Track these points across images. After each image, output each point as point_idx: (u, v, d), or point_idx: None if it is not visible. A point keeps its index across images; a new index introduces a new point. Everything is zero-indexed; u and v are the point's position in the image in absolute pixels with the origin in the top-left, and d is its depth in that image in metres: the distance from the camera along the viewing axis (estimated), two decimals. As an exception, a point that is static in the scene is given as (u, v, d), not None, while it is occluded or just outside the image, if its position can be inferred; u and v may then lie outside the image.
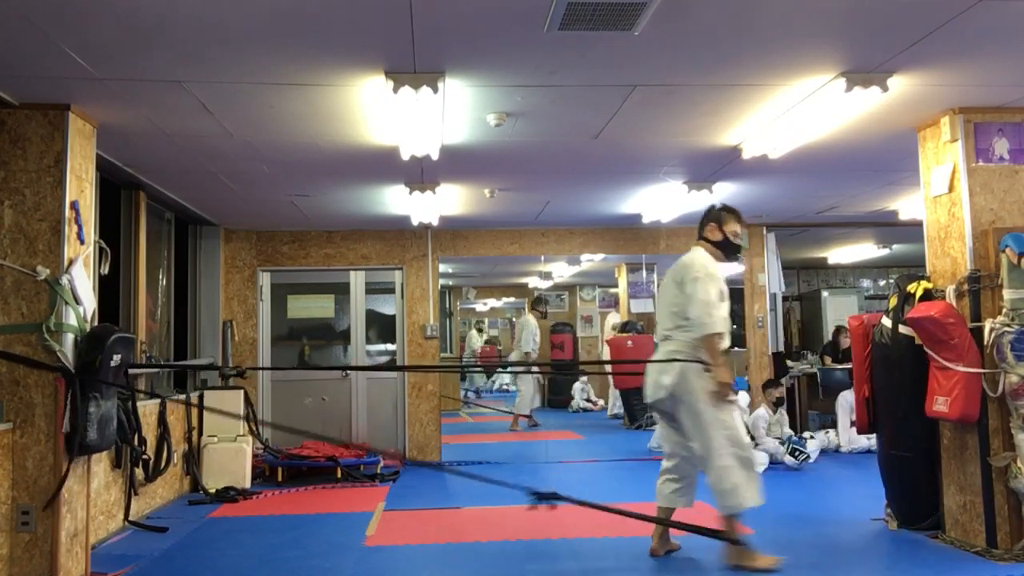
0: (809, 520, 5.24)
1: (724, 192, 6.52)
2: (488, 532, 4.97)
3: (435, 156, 4.93)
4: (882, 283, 12.86)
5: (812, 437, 7.64)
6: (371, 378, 8.14)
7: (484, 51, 3.56)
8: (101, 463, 4.87)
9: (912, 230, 7.45)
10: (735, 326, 13.20)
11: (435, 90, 3.78)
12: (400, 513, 5.68)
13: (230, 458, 6.62)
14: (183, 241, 7.41)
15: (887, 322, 4.83)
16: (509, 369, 11.16)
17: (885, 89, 3.93)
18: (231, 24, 3.21)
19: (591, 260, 10.54)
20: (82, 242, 4.17)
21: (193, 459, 6.55)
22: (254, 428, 7.18)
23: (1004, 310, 4.19)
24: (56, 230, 4.02)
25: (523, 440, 9.95)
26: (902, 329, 4.68)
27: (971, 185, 4.42)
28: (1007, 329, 4.13)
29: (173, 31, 3.26)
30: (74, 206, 4.08)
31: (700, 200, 6.40)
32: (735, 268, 10.15)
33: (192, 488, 6.53)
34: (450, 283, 14.66)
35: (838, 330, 9.15)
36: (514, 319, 12.57)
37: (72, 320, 4.02)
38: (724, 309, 4.24)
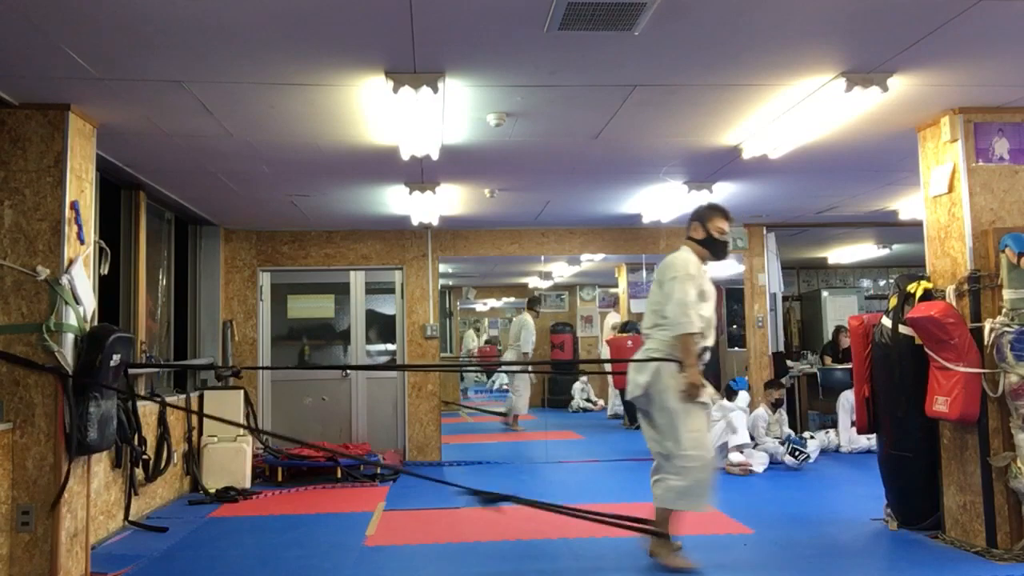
0: (809, 520, 5.24)
1: (724, 192, 6.52)
2: (488, 532, 4.97)
3: (435, 156, 4.93)
4: (882, 283, 12.86)
5: (812, 437, 7.65)
6: (371, 378, 8.14)
7: (484, 51, 3.56)
8: (101, 463, 4.87)
9: (912, 230, 7.45)
10: (735, 326, 13.21)
11: (435, 90, 3.78)
12: (400, 513, 5.68)
13: (230, 458, 6.62)
14: (183, 241, 7.41)
15: (887, 322, 4.83)
16: (506, 369, 11.11)
17: (885, 89, 3.93)
18: (231, 24, 3.21)
19: (591, 260, 10.54)
20: (82, 242, 4.17)
21: (193, 459, 6.55)
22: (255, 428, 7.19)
23: (1004, 310, 4.19)
24: (56, 230, 4.02)
25: (523, 440, 9.95)
26: (902, 329, 4.68)
27: (971, 185, 4.42)
28: (1007, 329, 4.13)
29: (173, 31, 3.26)
30: (74, 206, 4.08)
31: (700, 200, 6.41)
32: (735, 268, 10.19)
33: (192, 488, 6.53)
34: (450, 283, 14.65)
35: (838, 330, 9.15)
36: (513, 319, 12.54)
37: (72, 320, 4.02)
38: (706, 308, 4.25)
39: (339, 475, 6.86)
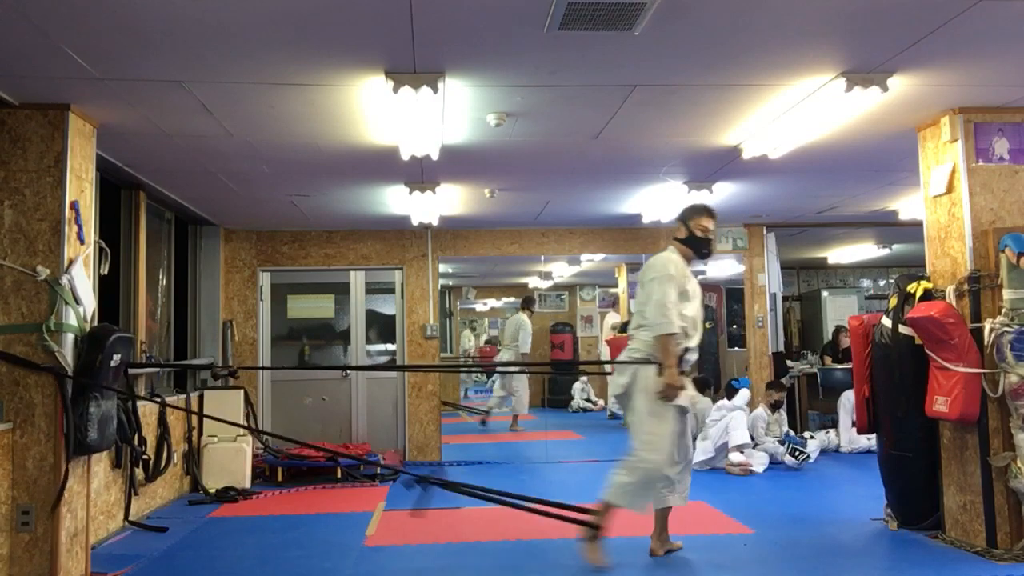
0: (809, 520, 5.24)
1: (724, 192, 6.53)
2: (488, 532, 4.97)
3: (435, 156, 4.93)
4: (882, 283, 12.86)
5: (812, 437, 7.65)
6: (371, 378, 8.14)
7: (484, 51, 3.56)
8: (101, 463, 4.87)
9: (912, 230, 7.45)
10: (735, 326, 13.20)
11: (435, 90, 3.78)
12: (400, 513, 5.68)
13: (230, 458, 6.62)
14: (183, 241, 7.41)
15: (887, 322, 4.83)
16: (504, 370, 11.11)
17: (885, 89, 3.93)
18: (231, 24, 3.21)
19: (591, 260, 10.54)
20: (82, 242, 4.17)
21: (193, 459, 6.55)
22: (256, 428, 7.19)
23: (1004, 310, 4.19)
24: (56, 230, 4.02)
25: (523, 440, 9.95)
26: (902, 329, 4.68)
27: (971, 185, 4.42)
28: (1007, 329, 4.13)
29: (173, 31, 3.26)
30: (74, 206, 4.08)
31: (700, 200, 6.40)
32: (735, 268, 10.19)
33: (192, 488, 6.53)
34: (450, 283, 14.65)
35: (838, 330, 9.15)
36: (507, 319, 12.53)
37: (72, 320, 4.02)
38: (689, 308, 4.27)
39: (339, 475, 6.86)
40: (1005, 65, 3.88)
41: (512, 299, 15.01)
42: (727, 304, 13.88)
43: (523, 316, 11.54)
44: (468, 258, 9.75)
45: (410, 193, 6.17)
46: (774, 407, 7.53)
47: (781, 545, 4.62)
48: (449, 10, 3.13)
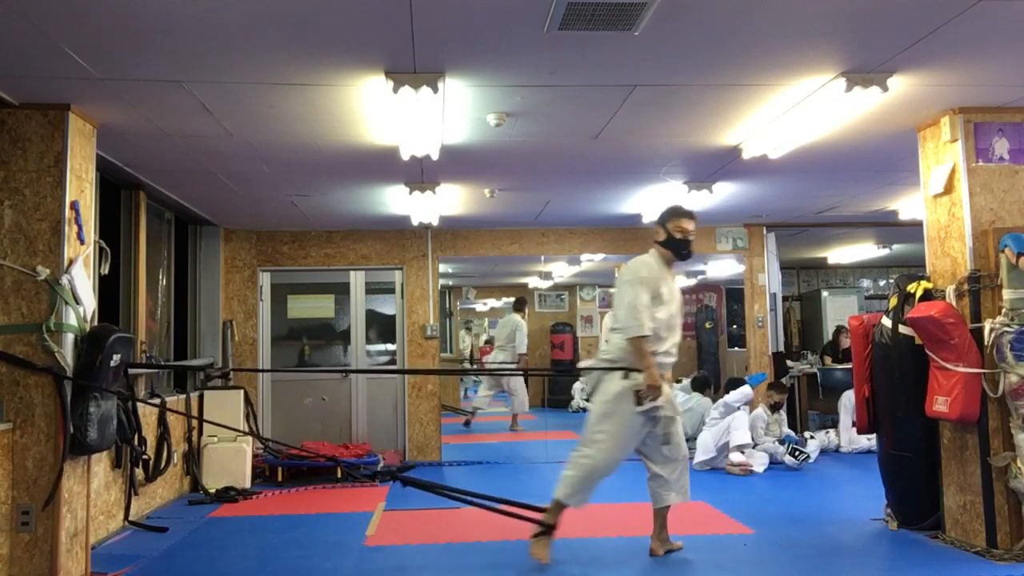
0: (809, 520, 5.24)
1: (724, 192, 6.53)
2: (488, 532, 4.97)
3: (435, 156, 4.93)
4: (882, 283, 12.86)
5: (812, 437, 7.65)
6: (371, 378, 8.15)
7: (484, 51, 3.56)
8: (101, 463, 4.87)
9: (912, 230, 7.45)
10: (735, 326, 13.17)
11: (435, 90, 3.78)
12: (400, 513, 5.68)
13: (230, 458, 6.62)
14: (183, 241, 7.41)
15: (887, 322, 4.83)
16: (502, 372, 11.12)
17: (885, 89, 3.93)
18: (231, 24, 3.21)
19: (591, 260, 10.53)
20: (82, 242, 4.17)
21: (193, 459, 6.55)
22: (254, 428, 7.18)
23: (1004, 310, 4.19)
24: (56, 230, 4.02)
25: (523, 440, 9.95)
26: (902, 329, 4.68)
27: (971, 185, 4.42)
28: (1007, 329, 4.13)
29: (173, 31, 3.26)
30: (74, 206, 4.08)
31: (700, 200, 6.41)
32: (735, 268, 10.18)
33: (192, 488, 6.52)
34: (450, 283, 14.64)
35: (838, 330, 9.15)
36: (500, 320, 12.51)
37: (72, 320, 4.02)
38: (663, 311, 4.26)
39: (339, 475, 6.85)
40: (1005, 65, 3.88)
41: (512, 299, 15.01)
42: (727, 304, 13.88)
43: (517, 317, 11.59)
44: (468, 258, 9.74)
45: (410, 193, 6.17)
46: (774, 408, 7.53)
47: (781, 545, 4.62)
48: (449, 10, 3.13)
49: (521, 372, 11.06)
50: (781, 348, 8.81)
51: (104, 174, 5.34)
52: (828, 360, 9.00)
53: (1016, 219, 4.41)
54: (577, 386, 13.46)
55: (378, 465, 7.09)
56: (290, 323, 8.39)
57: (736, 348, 12.69)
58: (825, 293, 11.82)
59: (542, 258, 10.28)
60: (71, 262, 4.05)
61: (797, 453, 7.03)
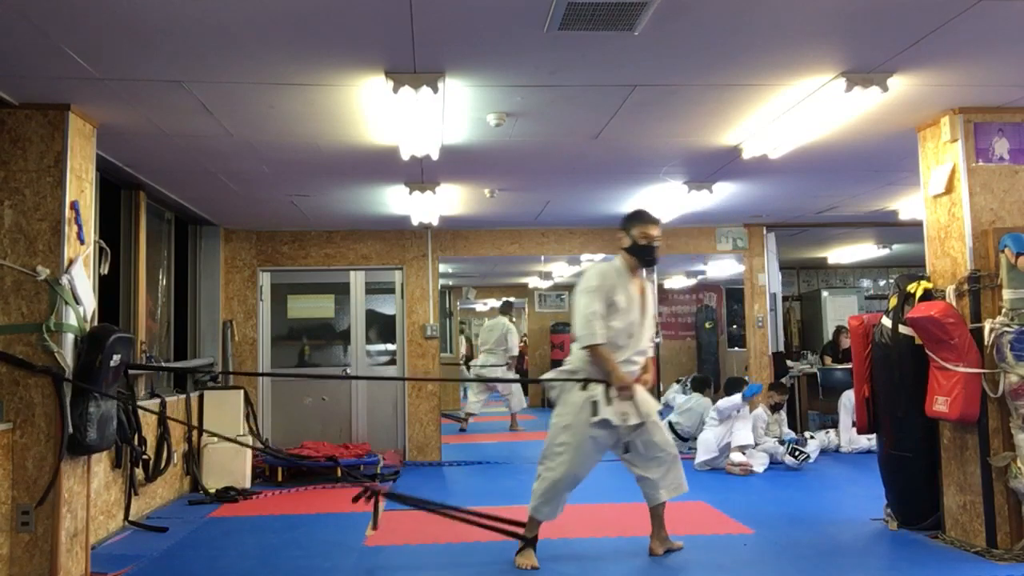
0: (809, 520, 5.24)
1: (724, 192, 6.53)
2: (488, 532, 4.96)
3: (435, 156, 4.93)
4: (882, 283, 12.86)
5: (812, 437, 7.65)
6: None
7: (484, 51, 3.56)
8: (101, 463, 4.87)
9: (912, 230, 7.45)
10: (735, 326, 13.15)
11: (435, 90, 3.78)
12: (400, 513, 5.67)
13: (230, 458, 6.62)
14: (183, 241, 7.41)
15: (887, 322, 4.83)
16: (499, 377, 11.19)
17: (885, 89, 3.93)
18: (231, 24, 3.21)
19: (591, 260, 10.54)
20: (82, 242, 4.17)
21: (193, 459, 6.55)
22: (254, 428, 7.18)
23: (1004, 310, 4.19)
24: (56, 230, 4.02)
25: (523, 440, 9.95)
26: (902, 329, 4.68)
27: (971, 185, 4.42)
28: (1007, 329, 4.13)
29: (173, 31, 3.26)
30: (74, 206, 4.08)
31: (700, 200, 6.42)
32: (735, 268, 10.18)
33: (192, 488, 6.52)
34: (450, 283, 14.65)
35: (838, 330, 9.15)
36: (487, 322, 12.54)
37: (72, 320, 4.02)
38: (620, 320, 4.20)
39: (339, 475, 6.85)
40: (1005, 65, 3.88)
41: (512, 299, 15.03)
42: (727, 304, 13.89)
43: (506, 320, 11.66)
44: (468, 258, 9.75)
45: (410, 193, 6.16)
46: (775, 408, 7.53)
47: (781, 545, 4.62)
48: (449, 10, 3.13)
49: (495, 379, 11.09)
50: (781, 348, 8.81)
51: (104, 174, 5.34)
52: (828, 360, 9.01)
53: (1016, 219, 4.41)
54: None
55: (378, 465, 7.09)
56: (290, 323, 8.39)
57: (736, 348, 12.69)
58: (825, 293, 11.83)
59: (542, 258, 10.28)
60: (71, 262, 4.05)
61: (797, 453, 7.03)
